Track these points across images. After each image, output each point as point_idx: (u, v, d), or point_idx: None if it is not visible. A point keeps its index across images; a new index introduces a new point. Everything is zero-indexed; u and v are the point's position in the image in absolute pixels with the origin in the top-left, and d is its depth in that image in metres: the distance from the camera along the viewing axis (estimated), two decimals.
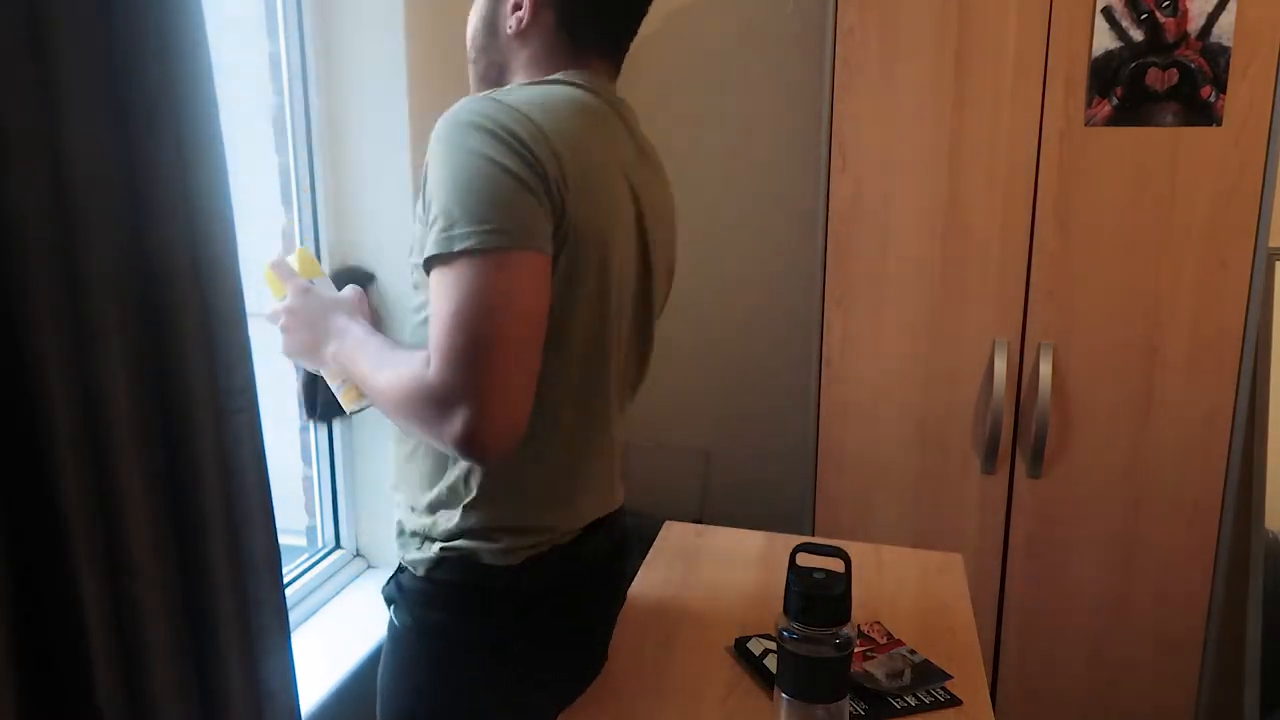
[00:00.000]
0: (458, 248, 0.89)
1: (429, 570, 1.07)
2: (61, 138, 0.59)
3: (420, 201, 0.97)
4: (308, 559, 1.74)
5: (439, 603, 1.07)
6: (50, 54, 0.57)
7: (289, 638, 0.85)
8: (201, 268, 0.72)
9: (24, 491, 0.58)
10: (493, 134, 0.93)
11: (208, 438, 0.72)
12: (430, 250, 0.92)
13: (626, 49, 1.15)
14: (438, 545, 1.06)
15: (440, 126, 0.96)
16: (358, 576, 1.79)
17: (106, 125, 0.63)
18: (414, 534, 1.09)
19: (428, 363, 0.91)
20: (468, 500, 1.05)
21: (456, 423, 0.89)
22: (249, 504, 0.78)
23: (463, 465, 1.05)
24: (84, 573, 0.60)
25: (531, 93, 1.01)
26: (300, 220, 1.67)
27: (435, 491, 1.07)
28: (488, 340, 0.89)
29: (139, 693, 0.65)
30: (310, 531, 1.81)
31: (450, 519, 1.06)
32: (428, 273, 0.94)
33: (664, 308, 1.26)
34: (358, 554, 1.83)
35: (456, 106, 0.97)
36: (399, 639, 1.11)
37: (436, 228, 0.91)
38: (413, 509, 1.10)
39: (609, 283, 1.04)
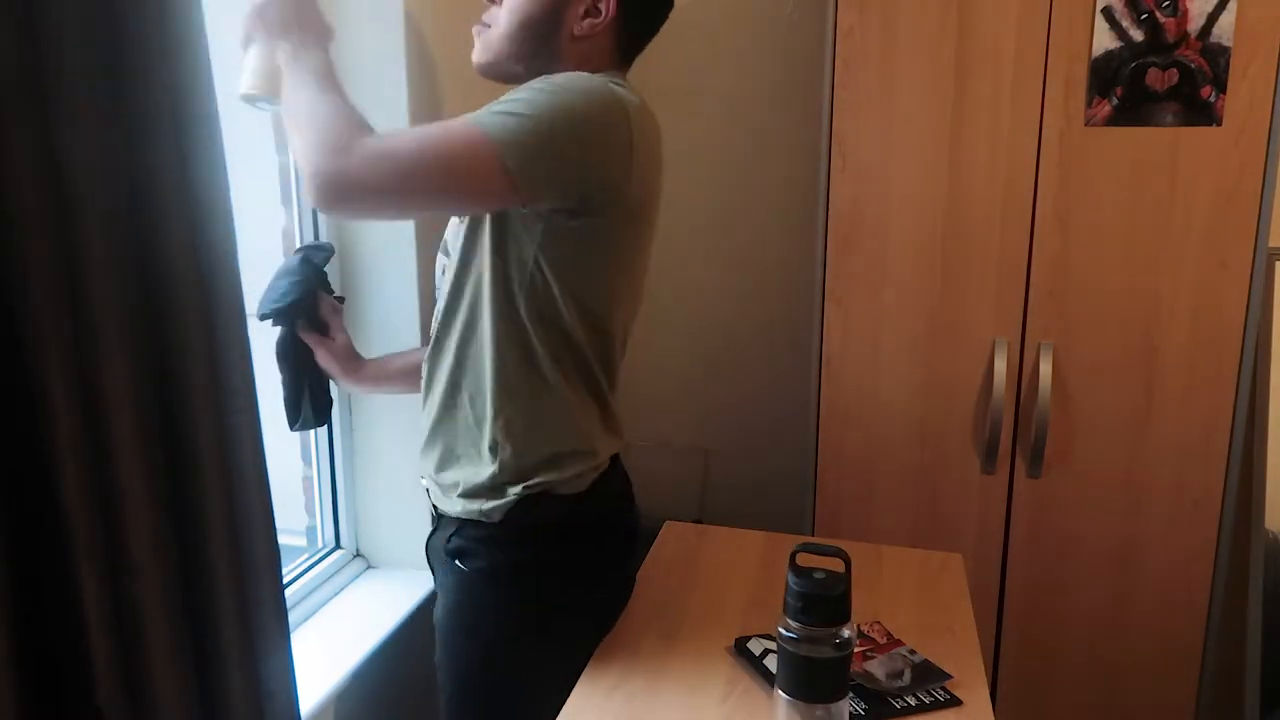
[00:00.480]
0: (476, 119, 1.03)
1: (507, 515, 1.17)
2: (62, 139, 0.59)
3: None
4: (308, 559, 1.75)
5: (522, 543, 1.18)
6: (50, 55, 0.57)
7: (288, 638, 0.85)
8: (202, 268, 0.72)
9: (24, 491, 0.58)
10: (605, 119, 1.09)
11: (208, 437, 0.72)
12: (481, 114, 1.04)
13: None
14: (516, 488, 1.16)
15: (567, 77, 1.08)
16: (358, 577, 1.79)
17: (107, 126, 0.63)
18: (479, 486, 1.18)
19: (375, 134, 1.02)
20: (533, 434, 1.16)
21: (336, 178, 0.98)
22: (249, 504, 0.78)
23: (514, 403, 1.16)
24: (84, 572, 0.60)
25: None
26: (300, 220, 1.67)
27: (491, 433, 1.16)
28: (410, 166, 1.01)
29: (139, 693, 0.65)
30: (310, 531, 1.81)
31: (521, 456, 1.16)
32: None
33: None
34: (358, 554, 1.83)
35: (593, 79, 1.10)
36: (473, 587, 1.20)
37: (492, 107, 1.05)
38: (463, 460, 1.19)
39: (647, 253, 1.25)
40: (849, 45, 1.86)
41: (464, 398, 1.20)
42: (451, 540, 1.23)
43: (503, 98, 1.07)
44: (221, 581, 0.73)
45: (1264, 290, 1.83)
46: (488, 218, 1.14)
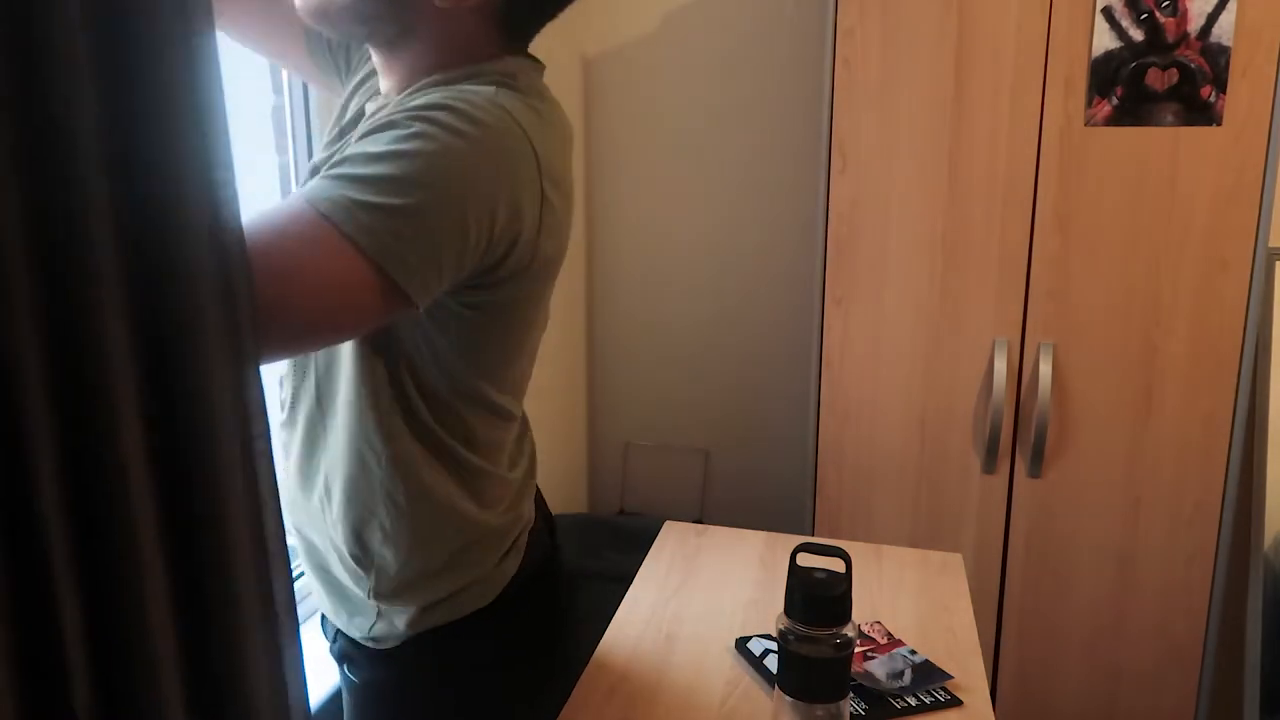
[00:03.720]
0: (360, 240, 0.79)
1: (427, 618, 1.00)
2: (68, 138, 0.59)
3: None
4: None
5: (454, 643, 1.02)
6: (53, 51, 0.57)
7: (298, 635, 0.84)
8: (212, 267, 0.71)
9: (20, 488, 0.58)
10: (497, 189, 0.85)
11: (227, 455, 0.71)
12: (334, 213, 0.78)
13: None
14: (460, 585, 1.00)
15: (464, 120, 0.83)
16: None
17: (115, 125, 0.63)
18: (407, 584, 0.99)
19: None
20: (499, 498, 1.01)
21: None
22: (263, 495, 0.77)
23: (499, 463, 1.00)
24: (64, 580, 0.60)
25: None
26: None
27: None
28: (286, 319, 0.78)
29: (132, 695, 0.65)
30: None
31: (482, 541, 1.00)
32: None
33: None
34: None
35: (493, 114, 0.85)
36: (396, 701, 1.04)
37: (363, 196, 0.79)
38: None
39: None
40: (849, 45, 1.86)
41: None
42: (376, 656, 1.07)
43: (345, 166, 0.79)
44: (240, 575, 0.73)
45: (1264, 290, 1.83)
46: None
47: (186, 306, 0.65)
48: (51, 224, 0.58)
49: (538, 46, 1.05)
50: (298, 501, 1.04)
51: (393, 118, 0.82)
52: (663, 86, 2.42)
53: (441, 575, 1.00)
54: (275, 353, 0.77)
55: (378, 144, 0.80)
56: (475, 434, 0.98)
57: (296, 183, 1.67)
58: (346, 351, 0.94)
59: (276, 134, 1.66)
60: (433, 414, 0.95)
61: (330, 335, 0.83)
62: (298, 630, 0.81)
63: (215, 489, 0.68)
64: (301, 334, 0.78)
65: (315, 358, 0.98)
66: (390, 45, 0.94)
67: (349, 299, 0.78)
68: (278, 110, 1.64)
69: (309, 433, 0.99)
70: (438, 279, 0.82)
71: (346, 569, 1.01)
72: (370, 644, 1.03)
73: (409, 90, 0.92)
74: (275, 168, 1.68)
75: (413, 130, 0.80)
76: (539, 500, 1.15)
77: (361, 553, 0.99)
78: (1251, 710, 1.88)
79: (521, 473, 1.07)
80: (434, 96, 0.84)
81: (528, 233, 0.88)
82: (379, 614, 1.01)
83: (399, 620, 1.00)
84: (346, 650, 1.07)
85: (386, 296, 0.79)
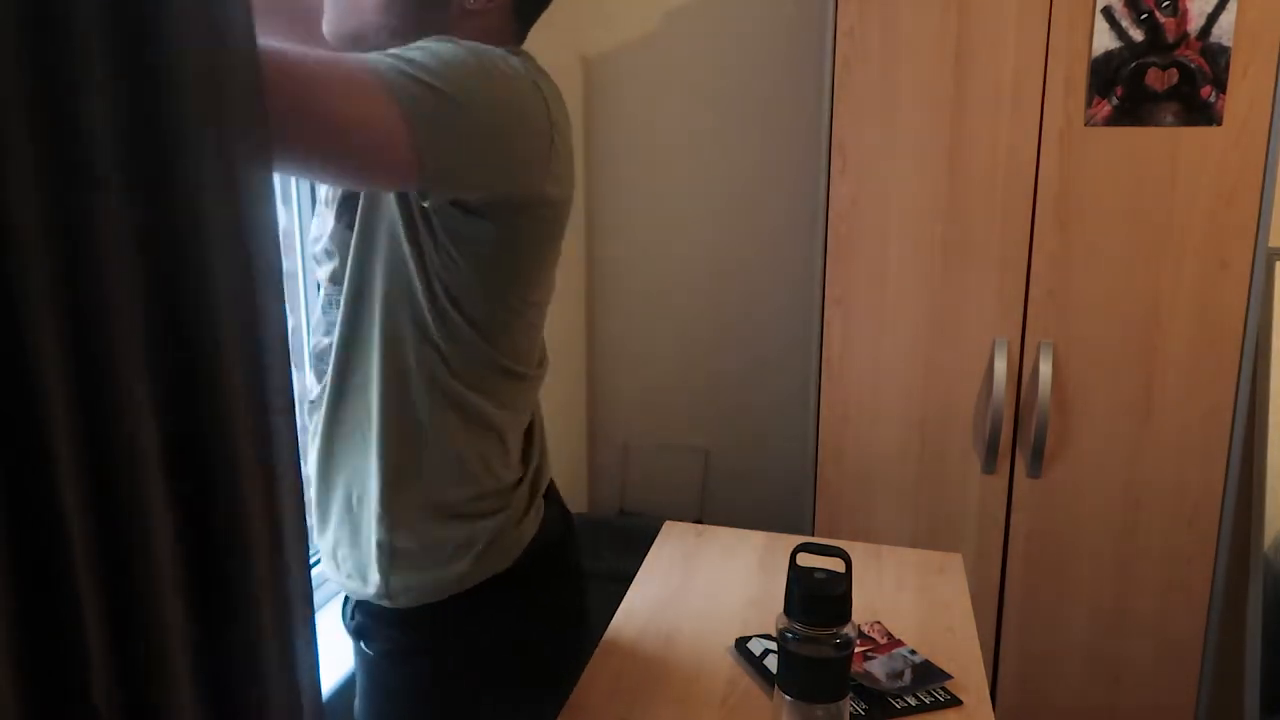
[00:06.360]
0: (387, 75, 0.86)
1: (466, 579, 1.04)
2: (109, 140, 0.59)
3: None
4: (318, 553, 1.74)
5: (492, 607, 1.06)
6: (94, 55, 0.57)
7: (314, 624, 0.84)
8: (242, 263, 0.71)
9: (23, 487, 0.58)
10: (520, 108, 0.92)
11: (245, 439, 0.70)
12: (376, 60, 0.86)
13: None
14: (481, 544, 1.04)
15: (477, 51, 0.90)
16: None
17: (155, 125, 0.63)
18: (439, 546, 1.03)
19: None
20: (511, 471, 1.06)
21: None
22: (283, 485, 0.77)
23: (499, 436, 1.04)
24: (82, 572, 0.60)
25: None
26: (300, 220, 1.67)
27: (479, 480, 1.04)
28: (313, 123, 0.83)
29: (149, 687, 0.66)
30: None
31: (501, 500, 1.05)
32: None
33: None
34: None
35: (508, 58, 0.93)
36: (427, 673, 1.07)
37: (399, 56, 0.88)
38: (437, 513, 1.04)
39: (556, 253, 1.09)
40: (849, 45, 1.86)
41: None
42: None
43: (396, 51, 0.87)
44: (258, 563, 0.72)
45: (1264, 290, 1.83)
46: (390, 207, 0.95)
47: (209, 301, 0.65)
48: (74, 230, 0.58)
49: (538, 47, 1.06)
50: (326, 452, 1.07)
51: (416, 44, 0.88)
52: (663, 86, 2.42)
53: (459, 525, 1.03)
54: (283, 160, 0.81)
55: (424, 49, 0.87)
56: (494, 389, 1.03)
57: (296, 183, 1.67)
58: (372, 321, 0.98)
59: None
60: (449, 365, 0.99)
61: (334, 166, 0.85)
62: (313, 619, 0.81)
63: (234, 486, 0.68)
64: (312, 146, 0.81)
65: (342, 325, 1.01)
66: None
67: (368, 136, 0.82)
68: None
69: (340, 376, 1.03)
70: (452, 173, 0.88)
71: (368, 513, 1.04)
72: (386, 603, 1.05)
73: None
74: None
75: (442, 53, 0.87)
76: (556, 495, 1.19)
77: (390, 495, 1.02)
78: (1251, 710, 1.88)
79: (537, 452, 1.13)
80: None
81: (537, 169, 0.94)
82: (392, 562, 1.03)
83: (414, 578, 1.03)
84: (363, 623, 1.10)
85: (403, 154, 0.84)
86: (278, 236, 0.71)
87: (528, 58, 1.00)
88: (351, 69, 0.82)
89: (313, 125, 0.79)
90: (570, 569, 1.17)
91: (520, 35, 1.04)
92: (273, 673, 0.73)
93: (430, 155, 0.85)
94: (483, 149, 0.89)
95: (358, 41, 0.96)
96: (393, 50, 0.87)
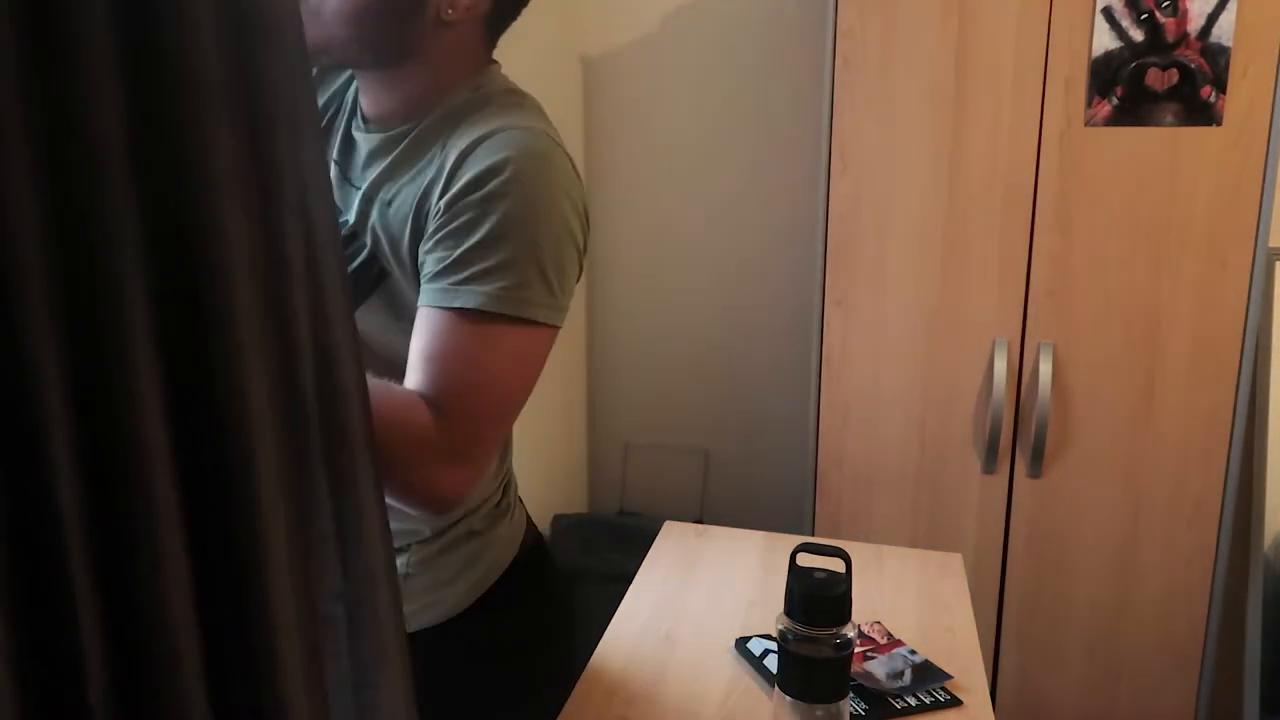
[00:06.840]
0: (529, 315, 0.86)
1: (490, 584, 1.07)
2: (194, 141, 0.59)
3: (443, 200, 0.87)
4: None
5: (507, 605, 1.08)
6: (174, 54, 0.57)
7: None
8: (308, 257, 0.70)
9: (22, 485, 0.58)
10: (573, 203, 0.90)
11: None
12: (493, 305, 0.84)
13: None
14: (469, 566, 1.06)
15: (526, 168, 0.87)
16: None
17: (230, 125, 0.63)
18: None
19: (433, 410, 0.83)
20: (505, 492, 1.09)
21: (451, 476, 0.86)
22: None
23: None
24: (79, 572, 0.60)
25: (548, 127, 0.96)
26: None
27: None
28: (508, 409, 0.90)
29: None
30: None
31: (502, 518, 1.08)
32: (460, 313, 0.85)
33: None
34: None
35: (537, 147, 0.89)
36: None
37: (503, 282, 0.85)
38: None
39: None
40: (849, 45, 1.86)
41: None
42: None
43: (465, 246, 0.85)
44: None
45: (1264, 290, 1.83)
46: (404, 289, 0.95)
47: (219, 303, 0.65)
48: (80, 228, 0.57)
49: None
50: None
51: (462, 211, 0.87)
52: (663, 86, 2.42)
53: (452, 548, 1.05)
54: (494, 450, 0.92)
55: (472, 235, 0.86)
56: None
57: None
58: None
59: None
60: None
61: (524, 398, 0.92)
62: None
63: (250, 485, 0.67)
64: (506, 416, 0.91)
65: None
66: (390, 67, 0.93)
67: (535, 365, 0.90)
68: None
69: None
70: (567, 294, 0.91)
71: None
72: None
73: (415, 129, 0.93)
74: None
75: (509, 215, 0.85)
76: (524, 508, 1.20)
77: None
78: (1251, 710, 1.88)
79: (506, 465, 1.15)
80: (480, 162, 0.87)
81: (589, 228, 0.96)
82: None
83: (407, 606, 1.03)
84: None
85: (550, 337, 0.90)
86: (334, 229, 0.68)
87: (506, 81, 0.98)
88: (502, 343, 0.87)
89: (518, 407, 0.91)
90: (553, 578, 1.19)
91: (491, 45, 0.98)
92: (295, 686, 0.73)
93: (557, 318, 0.90)
94: (572, 253, 0.91)
95: (316, 55, 0.86)
96: (457, 267, 0.86)
